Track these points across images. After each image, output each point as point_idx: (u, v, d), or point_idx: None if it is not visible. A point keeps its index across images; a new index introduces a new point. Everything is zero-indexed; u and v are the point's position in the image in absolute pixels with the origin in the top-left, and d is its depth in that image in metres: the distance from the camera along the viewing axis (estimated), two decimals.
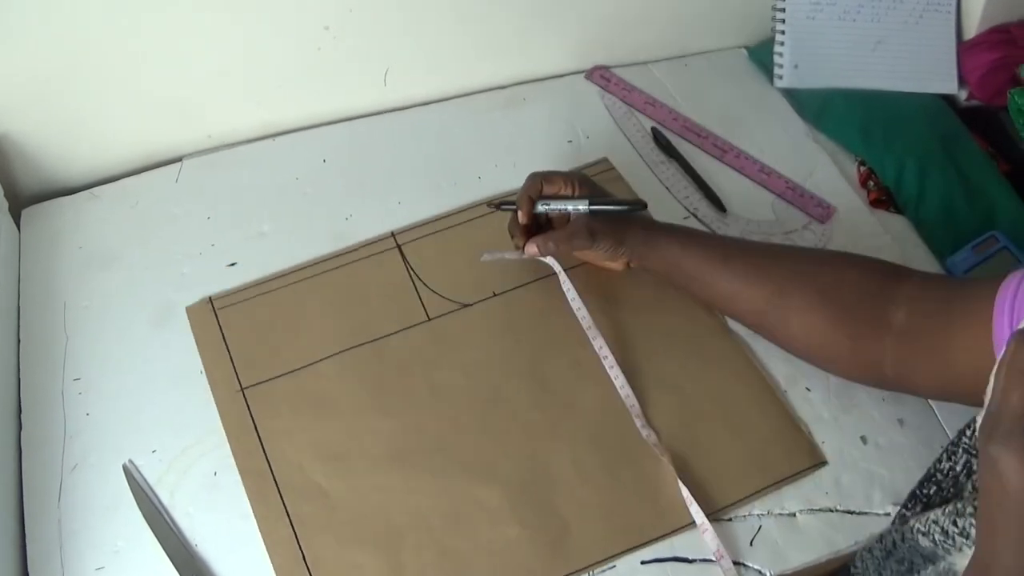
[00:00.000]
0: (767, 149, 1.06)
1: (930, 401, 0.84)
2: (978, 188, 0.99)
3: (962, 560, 0.57)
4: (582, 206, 0.84)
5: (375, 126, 1.07)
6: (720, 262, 0.82)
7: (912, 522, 0.62)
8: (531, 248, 0.85)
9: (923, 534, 0.60)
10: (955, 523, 0.58)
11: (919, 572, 0.62)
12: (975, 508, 0.56)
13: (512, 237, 0.88)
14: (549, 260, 0.88)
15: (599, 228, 0.84)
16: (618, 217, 0.85)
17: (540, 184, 0.86)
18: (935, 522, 0.59)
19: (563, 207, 0.85)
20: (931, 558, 0.60)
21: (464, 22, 1.03)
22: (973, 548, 0.55)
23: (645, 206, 0.85)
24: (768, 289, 0.80)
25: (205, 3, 0.92)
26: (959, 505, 0.58)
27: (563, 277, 0.88)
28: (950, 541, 0.58)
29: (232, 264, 0.94)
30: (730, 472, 0.80)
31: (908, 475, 0.79)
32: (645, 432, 0.79)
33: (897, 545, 0.64)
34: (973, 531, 0.56)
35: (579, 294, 0.87)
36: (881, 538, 0.66)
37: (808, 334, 0.79)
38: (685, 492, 0.77)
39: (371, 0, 0.98)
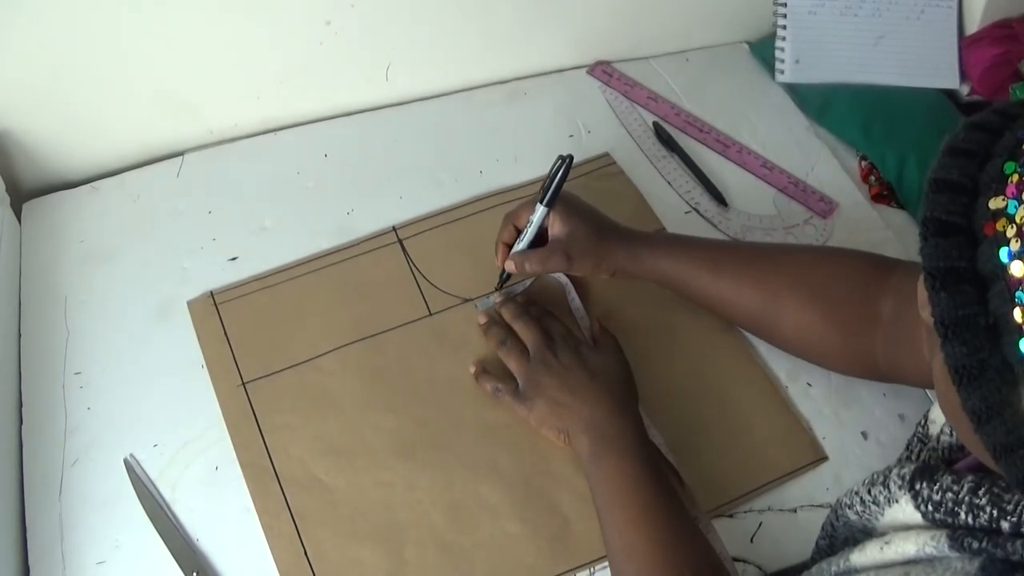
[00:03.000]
0: (769, 144, 1.06)
1: (931, 396, 0.84)
2: None
3: (884, 522, 0.58)
4: (539, 210, 0.84)
5: (377, 121, 1.07)
6: (710, 270, 0.82)
7: (840, 498, 0.64)
8: (508, 265, 0.86)
9: (848, 507, 0.62)
10: (869, 491, 0.59)
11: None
12: (885, 476, 0.58)
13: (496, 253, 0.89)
14: (557, 275, 0.90)
15: (576, 251, 0.83)
16: (597, 235, 0.84)
17: (511, 226, 0.87)
18: (856, 493, 0.61)
19: (531, 229, 0.85)
20: (866, 531, 0.61)
21: (466, 17, 1.03)
22: (889, 511, 0.57)
23: (571, 158, 0.84)
24: (760, 293, 0.80)
25: None
26: (875, 475, 0.60)
27: (570, 287, 0.89)
28: (868, 510, 0.59)
29: (233, 258, 0.94)
30: (731, 468, 0.80)
31: None
32: (651, 433, 0.79)
33: (835, 526, 0.65)
34: (882, 498, 0.57)
35: (582, 298, 0.89)
36: (822, 528, 0.68)
37: (802, 333, 0.79)
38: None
39: None
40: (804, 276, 0.79)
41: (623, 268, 0.84)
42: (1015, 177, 0.44)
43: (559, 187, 0.83)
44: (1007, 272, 0.42)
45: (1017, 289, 0.41)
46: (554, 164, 0.83)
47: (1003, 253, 0.42)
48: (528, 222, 0.85)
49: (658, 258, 0.83)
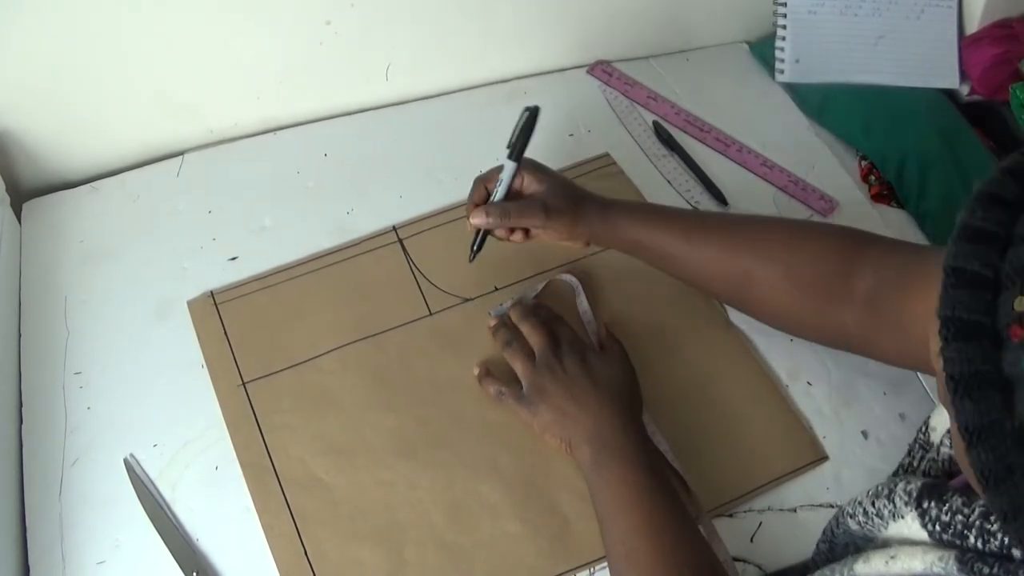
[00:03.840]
0: (769, 143, 1.06)
1: (931, 395, 0.84)
2: (979, 183, 0.99)
3: (887, 535, 0.58)
4: (508, 165, 0.82)
5: (377, 120, 1.07)
6: (683, 241, 0.81)
7: (842, 506, 0.63)
8: (477, 218, 0.83)
9: (851, 516, 0.61)
10: (872, 503, 0.58)
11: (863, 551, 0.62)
12: (891, 490, 0.57)
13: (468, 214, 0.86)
14: (567, 278, 0.90)
15: (553, 204, 0.82)
16: (573, 196, 0.83)
17: (482, 187, 0.85)
18: (859, 503, 0.60)
19: (502, 188, 0.83)
20: (867, 539, 0.61)
21: (466, 16, 1.03)
22: (893, 525, 0.56)
23: (537, 109, 0.82)
24: (734, 268, 0.79)
25: None
26: (879, 487, 0.59)
27: (579, 290, 0.89)
28: (871, 522, 0.59)
29: (233, 258, 0.94)
30: (731, 468, 0.80)
31: None
32: (656, 440, 0.79)
33: (835, 533, 0.65)
34: (886, 512, 0.57)
35: (591, 302, 0.89)
36: (823, 532, 0.67)
37: (775, 307, 0.79)
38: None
39: None
40: (776, 254, 0.78)
41: (598, 235, 0.84)
42: None
43: (526, 140, 0.81)
44: None
45: None
46: (520, 116, 0.81)
47: None
48: (498, 181, 0.83)
49: (633, 225, 0.82)
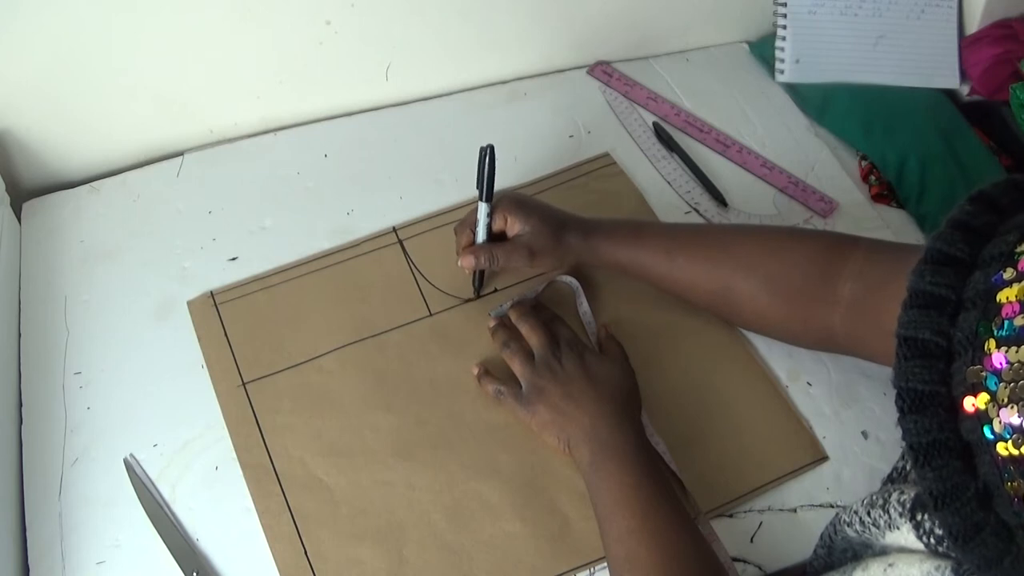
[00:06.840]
0: (769, 144, 1.06)
1: None
2: (979, 183, 0.99)
3: (884, 543, 0.58)
4: (481, 207, 0.83)
5: (377, 121, 1.07)
6: (665, 259, 0.82)
7: (839, 514, 0.64)
8: (466, 260, 0.84)
9: (848, 524, 0.61)
10: (868, 513, 0.59)
11: (861, 558, 0.62)
12: (885, 500, 0.57)
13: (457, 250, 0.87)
14: (568, 279, 0.90)
15: (538, 246, 0.83)
16: (556, 233, 0.84)
17: (467, 231, 0.86)
18: (855, 512, 0.60)
19: (481, 228, 0.84)
20: (865, 545, 0.61)
21: (466, 17, 1.03)
22: (890, 535, 0.56)
23: (491, 147, 0.81)
24: (716, 283, 0.80)
25: None
26: (874, 496, 0.59)
27: (579, 292, 0.89)
28: (867, 531, 0.59)
29: (233, 258, 0.94)
30: (731, 468, 0.80)
31: None
32: (653, 441, 0.79)
33: (833, 539, 0.65)
34: (882, 522, 0.57)
35: (591, 303, 0.89)
36: (821, 536, 0.67)
37: (760, 317, 0.80)
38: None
39: None
40: (761, 265, 0.78)
41: (583, 260, 0.85)
42: (991, 344, 0.42)
43: (491, 177, 0.82)
44: (993, 449, 0.41)
45: (1005, 468, 0.41)
46: (479, 159, 0.82)
47: (987, 431, 0.41)
48: (476, 222, 0.84)
49: (614, 249, 0.83)
